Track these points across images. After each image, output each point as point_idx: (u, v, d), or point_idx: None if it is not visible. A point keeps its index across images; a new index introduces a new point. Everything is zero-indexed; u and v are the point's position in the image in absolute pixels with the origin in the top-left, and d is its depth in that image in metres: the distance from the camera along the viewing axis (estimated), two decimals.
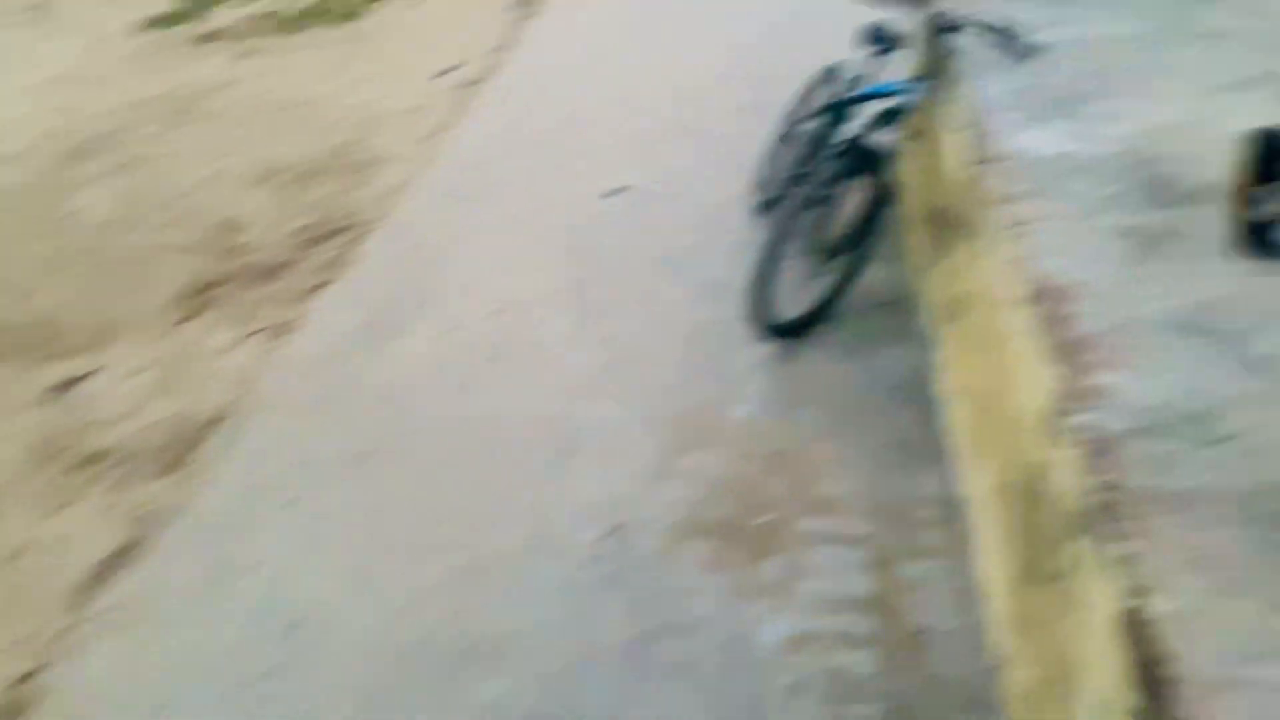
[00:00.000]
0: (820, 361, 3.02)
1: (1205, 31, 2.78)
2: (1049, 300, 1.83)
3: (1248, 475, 1.44)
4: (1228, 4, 2.94)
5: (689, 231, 3.67)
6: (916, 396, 2.83)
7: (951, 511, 2.42)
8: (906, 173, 3.15)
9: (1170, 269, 1.87)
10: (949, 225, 2.71)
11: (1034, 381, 1.76)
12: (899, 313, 3.15)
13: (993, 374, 2.12)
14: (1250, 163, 1.81)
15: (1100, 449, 1.51)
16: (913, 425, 2.75)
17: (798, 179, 3.03)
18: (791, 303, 3.01)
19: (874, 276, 3.20)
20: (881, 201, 2.97)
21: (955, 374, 2.63)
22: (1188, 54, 2.66)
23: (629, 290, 3.39)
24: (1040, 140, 2.32)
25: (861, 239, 3.03)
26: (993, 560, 2.09)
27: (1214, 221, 1.92)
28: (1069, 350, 1.71)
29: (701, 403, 2.89)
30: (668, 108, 4.64)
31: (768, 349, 3.04)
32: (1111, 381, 1.63)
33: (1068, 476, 1.56)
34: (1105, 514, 1.42)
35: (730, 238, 3.57)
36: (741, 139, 4.03)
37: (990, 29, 2.71)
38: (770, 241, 2.84)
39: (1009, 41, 2.69)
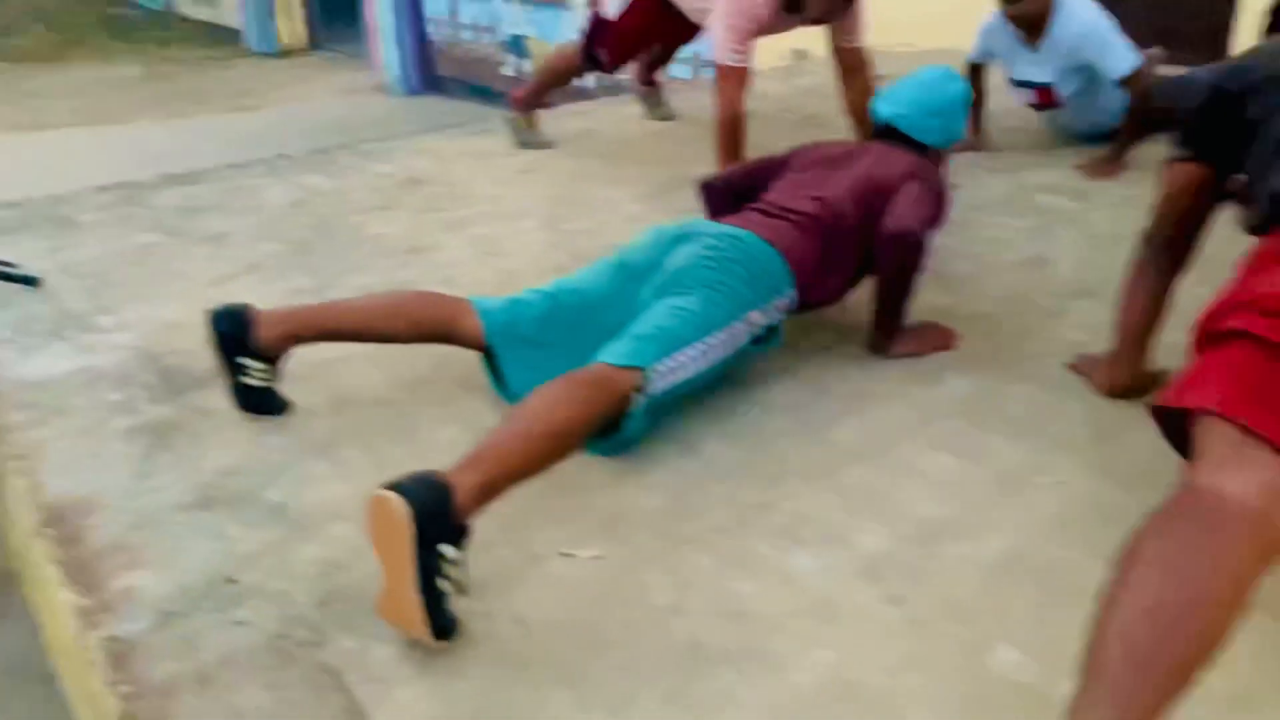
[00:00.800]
0: None
1: (210, 234, 2.99)
2: (61, 522, 1.68)
3: (270, 622, 1.47)
4: (228, 208, 3.21)
5: None
6: (36, 673, 2.42)
7: None
8: None
9: (186, 453, 1.88)
10: None
11: (63, 611, 1.58)
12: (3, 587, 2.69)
13: (52, 619, 1.89)
14: (223, 339, 1.91)
15: (122, 659, 1.40)
16: (35, 708, 2.35)
17: None
18: None
19: None
20: None
21: (48, 632, 2.31)
22: (195, 256, 2.82)
23: None
24: (46, 364, 2.20)
25: None
26: None
27: (223, 398, 1.99)
28: (85, 567, 1.58)
29: None
30: None
31: None
32: (133, 583, 1.54)
33: (106, 698, 1.41)
34: None
35: None
36: None
37: None
38: None
39: (5, 275, 2.54)
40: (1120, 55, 3.08)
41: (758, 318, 1.98)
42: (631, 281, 2.03)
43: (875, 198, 2.16)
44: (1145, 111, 3.10)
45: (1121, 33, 3.12)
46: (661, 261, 2.02)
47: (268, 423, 1.97)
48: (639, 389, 1.72)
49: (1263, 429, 1.08)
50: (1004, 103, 3.60)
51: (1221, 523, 1.03)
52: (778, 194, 2.24)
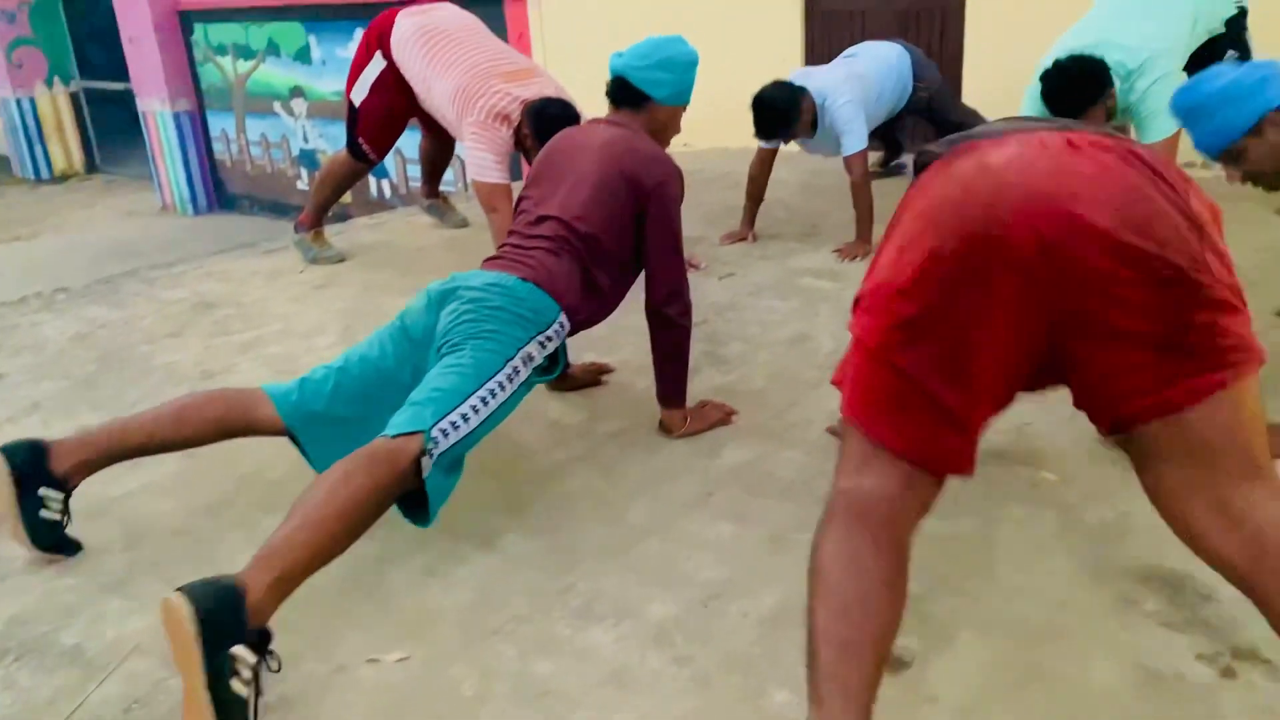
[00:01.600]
0: None
1: None
2: None
3: None
4: (1, 348, 3.09)
5: None
6: None
7: None
8: None
9: None
10: None
11: None
12: None
13: None
14: (20, 472, 1.86)
15: None
16: None
17: None
18: None
19: None
20: None
21: None
22: None
23: None
24: None
25: None
26: None
27: (8, 547, 1.93)
28: None
29: None
30: None
31: None
32: None
33: None
34: None
35: None
36: None
37: None
38: None
39: None
40: (851, 140, 3.67)
41: (534, 351, 2.10)
42: (415, 345, 2.11)
43: (619, 189, 2.25)
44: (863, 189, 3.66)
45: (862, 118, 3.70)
46: (436, 322, 2.11)
47: (59, 566, 1.93)
48: (425, 452, 1.78)
49: (881, 440, 1.31)
50: (774, 193, 3.97)
51: (864, 515, 1.28)
52: (520, 220, 2.35)
